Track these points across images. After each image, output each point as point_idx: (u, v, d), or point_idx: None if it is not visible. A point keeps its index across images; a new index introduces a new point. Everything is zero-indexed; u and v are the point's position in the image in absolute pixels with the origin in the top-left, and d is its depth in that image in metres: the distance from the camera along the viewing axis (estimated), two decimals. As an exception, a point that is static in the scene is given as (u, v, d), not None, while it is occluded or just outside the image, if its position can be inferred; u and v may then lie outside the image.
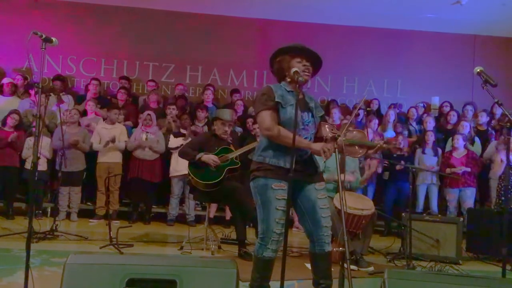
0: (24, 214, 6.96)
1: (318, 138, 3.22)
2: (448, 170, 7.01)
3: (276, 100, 3.09)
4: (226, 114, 5.55)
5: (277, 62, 3.26)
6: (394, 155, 7.03)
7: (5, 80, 8.03)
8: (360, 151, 3.24)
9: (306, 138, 3.16)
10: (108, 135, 7.11)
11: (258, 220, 3.18)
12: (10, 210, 6.86)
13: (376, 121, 7.79)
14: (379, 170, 7.35)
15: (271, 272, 3.19)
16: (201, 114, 7.65)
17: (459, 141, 7.12)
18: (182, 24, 9.39)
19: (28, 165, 6.85)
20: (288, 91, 3.16)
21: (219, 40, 9.44)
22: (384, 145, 3.30)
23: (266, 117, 3.08)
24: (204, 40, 9.36)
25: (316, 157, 3.25)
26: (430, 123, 7.78)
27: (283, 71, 3.22)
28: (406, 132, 7.96)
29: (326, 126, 3.26)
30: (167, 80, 9.44)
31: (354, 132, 3.28)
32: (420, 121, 8.35)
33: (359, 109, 8.16)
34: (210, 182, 5.15)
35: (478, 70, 3.31)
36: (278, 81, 3.28)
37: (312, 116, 3.22)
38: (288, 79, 3.19)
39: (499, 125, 7.65)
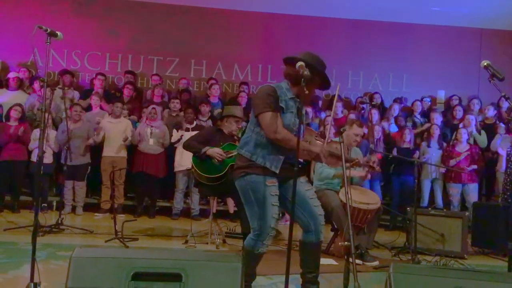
0: (29, 207, 6.98)
1: None
2: (452, 161, 6.98)
3: (281, 105, 3.12)
4: (239, 111, 5.57)
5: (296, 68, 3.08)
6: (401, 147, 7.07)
7: (11, 75, 8.03)
8: (337, 163, 3.33)
9: None
10: (113, 129, 7.14)
11: (251, 216, 3.20)
12: (16, 204, 6.90)
13: (377, 113, 7.74)
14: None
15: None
16: (206, 108, 7.65)
17: (462, 135, 7.08)
18: (186, 18, 9.36)
19: (34, 158, 6.88)
20: (290, 98, 3.19)
21: (223, 34, 9.40)
22: (361, 162, 3.64)
23: (274, 119, 3.09)
24: (209, 34, 9.33)
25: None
26: (437, 119, 7.73)
27: (298, 78, 3.09)
28: (410, 124, 7.93)
29: (308, 132, 3.43)
30: (171, 74, 9.43)
31: (334, 145, 3.33)
32: (424, 114, 8.32)
33: (363, 105, 8.13)
34: (212, 176, 5.16)
35: (485, 63, 3.29)
36: (290, 81, 3.22)
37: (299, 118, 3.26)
38: (306, 91, 3.12)
39: (508, 119, 7.62)
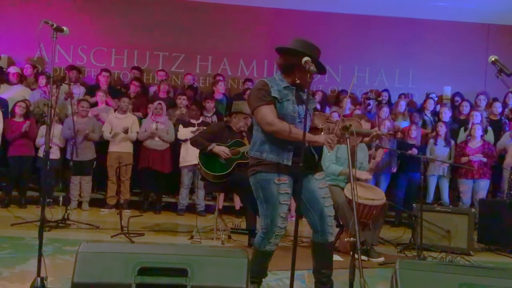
0: (36, 203, 7.02)
1: (311, 128, 3.22)
2: (464, 159, 6.91)
3: (273, 95, 3.08)
4: (247, 107, 5.53)
5: (289, 58, 3.16)
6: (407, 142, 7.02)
7: (12, 69, 8.00)
8: (356, 139, 3.25)
9: None
10: (120, 124, 7.15)
11: (260, 214, 3.20)
12: (22, 199, 6.94)
13: (387, 110, 7.72)
14: (394, 169, 7.21)
15: (269, 262, 3.29)
16: (210, 104, 7.64)
17: (477, 131, 6.98)
18: (192, 14, 9.36)
19: (41, 153, 6.92)
20: (284, 87, 3.13)
21: (229, 30, 9.39)
22: (379, 133, 3.43)
23: (267, 112, 3.05)
24: (214, 29, 9.32)
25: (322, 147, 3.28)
26: (446, 114, 7.64)
27: (293, 68, 3.14)
28: (420, 122, 7.86)
29: (319, 116, 3.34)
30: (177, 70, 9.44)
31: (350, 123, 3.27)
32: (435, 112, 8.24)
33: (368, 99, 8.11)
34: (218, 174, 5.16)
35: (493, 59, 3.26)
36: (282, 72, 3.22)
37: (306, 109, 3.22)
38: (297, 81, 3.14)
39: (512, 115, 7.56)
